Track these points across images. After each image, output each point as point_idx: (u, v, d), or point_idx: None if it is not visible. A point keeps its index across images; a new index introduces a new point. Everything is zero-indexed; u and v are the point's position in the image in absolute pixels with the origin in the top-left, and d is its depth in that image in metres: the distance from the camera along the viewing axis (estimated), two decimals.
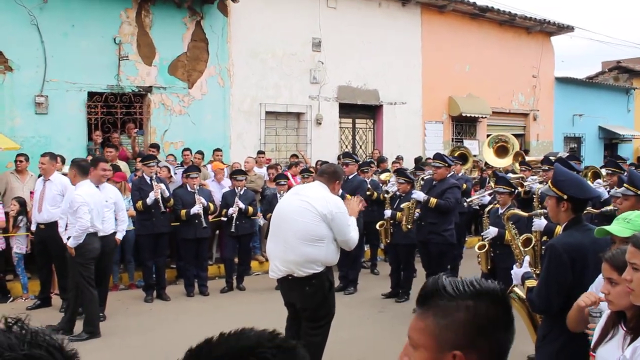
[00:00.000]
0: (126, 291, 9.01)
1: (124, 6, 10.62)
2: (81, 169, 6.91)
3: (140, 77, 10.82)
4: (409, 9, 14.72)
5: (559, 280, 3.36)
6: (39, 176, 8.07)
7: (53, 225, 7.37)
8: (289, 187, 9.48)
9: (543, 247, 5.87)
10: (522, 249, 5.11)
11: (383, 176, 10.86)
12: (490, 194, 9.02)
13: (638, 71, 22.35)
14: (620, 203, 4.52)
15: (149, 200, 8.30)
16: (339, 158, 12.01)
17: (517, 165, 11.15)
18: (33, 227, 8.04)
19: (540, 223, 6.01)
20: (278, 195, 9.07)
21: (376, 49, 14.01)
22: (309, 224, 4.78)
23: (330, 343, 5.17)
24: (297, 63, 12.86)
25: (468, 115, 15.61)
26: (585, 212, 5.97)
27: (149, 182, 8.45)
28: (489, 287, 1.39)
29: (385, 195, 8.96)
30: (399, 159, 13.06)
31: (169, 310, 8.02)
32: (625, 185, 4.49)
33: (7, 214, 8.25)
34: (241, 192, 9.08)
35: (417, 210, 8.04)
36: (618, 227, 2.99)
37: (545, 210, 4.48)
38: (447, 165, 8.02)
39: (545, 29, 17.89)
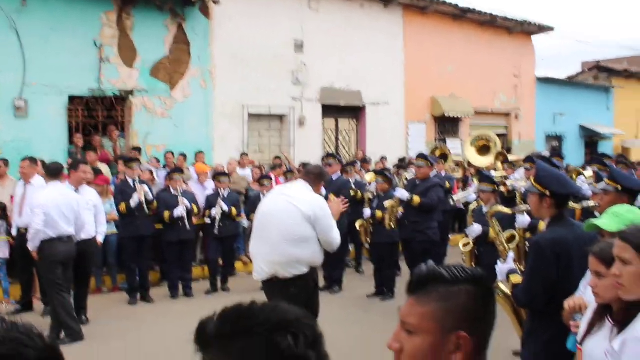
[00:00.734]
0: (109, 294, 8.93)
1: (104, 9, 10.55)
2: (49, 171, 6.89)
3: (121, 80, 10.74)
4: (391, 10, 14.77)
5: (544, 276, 3.38)
6: (20, 180, 7.98)
7: None
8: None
9: (527, 244, 5.92)
10: (506, 245, 5.13)
11: (368, 177, 10.87)
12: (475, 192, 9.07)
13: (617, 70, 22.61)
14: (600, 199, 4.55)
15: (132, 203, 8.23)
16: (322, 159, 12.00)
17: (499, 164, 11.22)
18: (14, 232, 7.95)
19: (524, 220, 6.05)
20: (262, 196, 9.04)
21: (359, 50, 14.04)
22: (294, 225, 4.75)
23: None
24: (280, 65, 12.85)
25: (451, 115, 15.70)
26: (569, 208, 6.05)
27: (131, 184, 8.38)
28: (479, 272, 1.48)
29: (370, 197, 8.97)
30: (383, 159, 13.09)
31: (153, 313, 7.96)
32: (605, 180, 4.54)
33: None
34: (225, 194, 9.04)
35: (400, 209, 8.05)
36: (607, 222, 3.01)
37: (528, 207, 4.51)
38: (430, 164, 8.05)
39: (526, 29, 18.05)
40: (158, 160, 10.52)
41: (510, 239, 5.56)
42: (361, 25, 14.13)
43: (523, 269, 4.41)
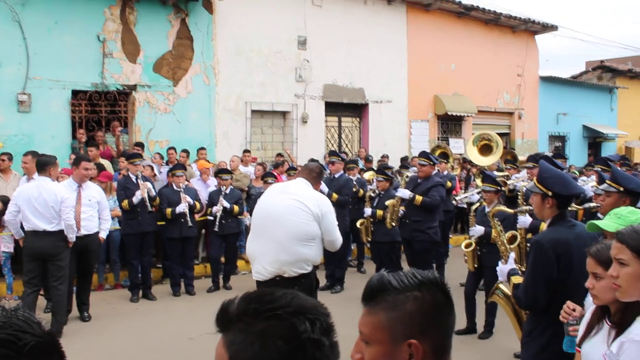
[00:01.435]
0: (112, 291, 8.94)
1: (108, 3, 10.54)
2: (37, 164, 6.92)
3: (124, 75, 10.74)
4: (395, 7, 14.75)
5: (544, 276, 3.37)
6: (24, 175, 8.01)
7: None
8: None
9: (528, 244, 5.91)
10: (507, 245, 5.13)
11: (367, 175, 10.88)
12: (479, 193, 9.06)
13: (621, 70, 22.57)
14: (603, 200, 4.55)
15: (135, 199, 8.24)
16: (325, 157, 12.01)
17: (502, 164, 11.20)
18: None
19: (525, 220, 6.04)
20: (222, 190, 9.03)
21: (362, 48, 14.03)
22: (303, 224, 4.67)
23: None
24: (283, 61, 12.84)
25: (454, 113, 15.68)
26: (571, 208, 6.04)
27: (134, 180, 8.39)
28: (429, 277, 1.48)
29: (372, 194, 8.96)
30: (383, 157, 13.08)
31: (155, 310, 7.97)
32: (607, 182, 4.53)
33: None
34: (227, 191, 9.04)
35: (402, 207, 8.05)
36: (609, 223, 3.01)
37: (530, 207, 4.50)
38: (432, 163, 8.04)
39: (530, 28, 18.01)
40: (162, 157, 10.52)
41: (512, 239, 5.56)
42: (364, 22, 14.12)
43: (524, 270, 4.40)
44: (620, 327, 2.34)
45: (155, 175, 9.56)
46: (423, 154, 8.25)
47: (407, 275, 1.46)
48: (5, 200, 8.27)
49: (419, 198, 7.76)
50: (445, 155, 11.63)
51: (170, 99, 11.26)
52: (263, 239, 4.78)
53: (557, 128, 19.83)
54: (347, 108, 14.32)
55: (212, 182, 9.90)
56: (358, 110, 14.56)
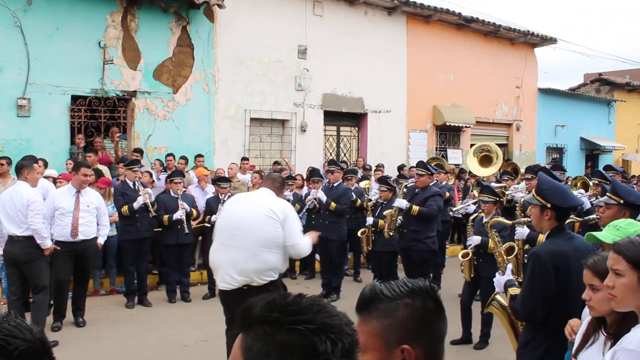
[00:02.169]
0: (107, 297, 8.92)
1: (109, 10, 10.57)
2: (15, 168, 6.89)
3: (124, 81, 10.76)
4: (395, 18, 14.81)
5: (542, 288, 3.38)
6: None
7: None
8: None
9: (525, 255, 5.92)
10: (504, 256, 5.13)
11: (362, 184, 10.90)
12: (474, 203, 9.08)
13: (619, 84, 22.66)
14: (603, 212, 4.57)
15: (136, 205, 8.23)
16: (324, 166, 12.03)
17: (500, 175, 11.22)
18: None
19: (522, 231, 6.06)
20: (220, 197, 9.03)
21: (361, 57, 14.07)
22: (271, 231, 4.70)
23: None
24: (283, 70, 12.88)
25: (452, 124, 15.72)
26: (570, 220, 6.06)
27: (132, 186, 8.39)
28: (419, 284, 1.53)
29: (369, 203, 8.98)
30: (379, 167, 13.10)
31: (151, 316, 7.96)
32: (608, 194, 4.55)
33: None
34: (225, 199, 9.03)
35: (400, 217, 8.06)
36: (607, 234, 3.02)
37: (528, 219, 4.52)
38: (429, 173, 8.06)
39: (529, 40, 18.09)
40: (162, 164, 10.52)
41: (509, 250, 5.57)
42: (365, 32, 14.17)
43: (521, 280, 4.40)
44: (616, 338, 2.35)
45: (153, 181, 9.57)
46: (421, 164, 8.27)
47: (398, 284, 1.52)
48: None
49: (415, 208, 7.77)
50: (440, 167, 11.66)
51: (169, 105, 11.28)
52: (230, 248, 4.76)
53: (555, 140, 19.90)
54: (346, 117, 14.35)
55: (210, 190, 9.90)
56: (357, 119, 14.59)
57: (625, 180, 9.99)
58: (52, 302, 7.50)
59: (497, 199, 6.79)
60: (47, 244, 6.68)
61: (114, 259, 9.01)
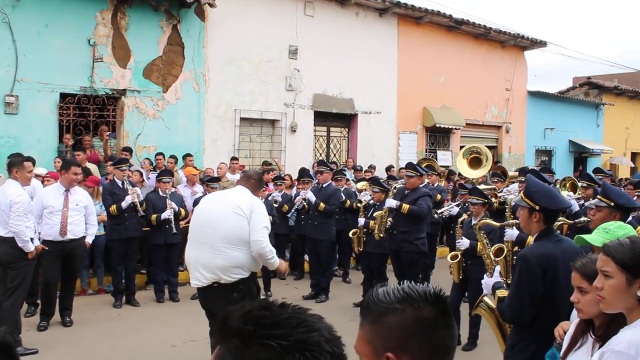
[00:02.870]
0: (95, 296, 8.86)
1: (99, 7, 10.51)
2: (7, 166, 6.69)
3: (114, 79, 10.70)
4: (386, 20, 14.83)
5: (530, 291, 3.38)
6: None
7: None
8: (269, 194, 9.47)
9: (514, 257, 5.93)
10: (493, 258, 5.14)
11: (359, 185, 10.90)
12: (457, 205, 9.10)
13: (608, 87, 22.83)
14: (593, 214, 4.60)
15: (124, 204, 8.18)
16: (313, 166, 12.02)
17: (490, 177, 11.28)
18: None
19: (512, 233, 6.07)
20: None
21: (352, 58, 14.08)
22: (237, 227, 4.70)
23: None
24: (273, 70, 12.86)
25: (442, 126, 15.76)
26: (559, 223, 6.08)
27: (120, 186, 8.34)
28: (420, 290, 1.44)
29: (359, 204, 8.98)
30: (371, 167, 13.12)
31: (138, 316, 7.91)
32: (598, 197, 4.58)
33: None
34: None
35: (390, 219, 8.06)
36: (596, 237, 3.04)
37: (517, 221, 4.53)
38: (419, 174, 8.07)
39: (519, 43, 18.18)
40: (151, 163, 10.48)
41: (498, 252, 5.58)
42: (356, 34, 14.18)
43: (510, 282, 4.42)
44: (604, 340, 2.36)
45: (143, 180, 9.52)
46: (410, 165, 8.29)
47: (396, 289, 1.44)
48: None
49: (405, 207, 7.78)
50: (431, 168, 11.69)
51: (159, 104, 11.23)
52: (200, 245, 4.80)
53: (544, 142, 20.01)
54: (336, 118, 14.35)
55: (199, 189, 9.86)
56: (347, 120, 14.60)
57: (614, 183, 10.06)
58: (39, 301, 7.47)
59: (486, 200, 6.80)
60: (29, 248, 6.40)
61: (102, 258, 8.95)
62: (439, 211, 9.51)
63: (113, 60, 10.67)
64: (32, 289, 7.51)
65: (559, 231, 4.86)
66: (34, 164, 8.58)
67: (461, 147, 13.84)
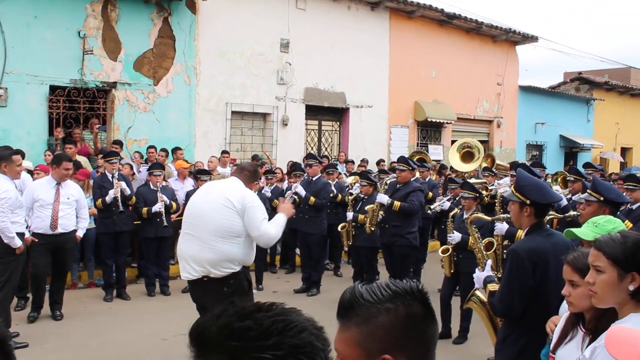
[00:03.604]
0: (85, 290, 8.83)
1: None
2: None
3: (104, 72, 10.64)
4: (378, 13, 14.81)
5: (520, 285, 3.40)
6: None
7: None
8: (261, 187, 9.45)
9: (504, 251, 5.96)
10: (484, 252, 5.16)
11: (350, 179, 10.89)
12: (449, 200, 9.12)
13: (598, 83, 22.91)
14: (583, 208, 4.62)
15: (108, 198, 8.13)
16: (303, 160, 12.01)
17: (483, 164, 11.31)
18: None
19: (501, 227, 6.09)
20: None
21: (344, 52, 14.06)
22: (225, 220, 4.61)
23: None
24: (265, 63, 12.82)
25: (433, 120, 15.78)
26: (549, 217, 6.11)
27: (110, 179, 8.30)
28: (404, 286, 1.39)
29: (349, 198, 8.97)
30: (363, 162, 13.12)
31: (129, 310, 7.89)
32: (588, 191, 4.60)
33: None
34: None
35: (381, 212, 8.07)
36: (586, 231, 3.05)
37: (508, 215, 4.54)
38: (410, 168, 8.07)
39: (511, 38, 18.21)
40: (142, 156, 10.43)
41: (488, 246, 5.60)
42: (347, 27, 14.16)
43: (500, 276, 4.43)
44: (595, 333, 2.37)
45: (134, 174, 9.48)
46: (402, 159, 8.28)
47: (380, 287, 1.38)
48: None
49: (397, 204, 7.78)
50: (423, 161, 11.71)
51: (150, 97, 11.18)
52: (190, 238, 4.75)
53: (535, 137, 20.09)
54: (327, 112, 14.34)
55: (190, 182, 9.83)
56: (338, 114, 14.59)
57: (604, 178, 10.11)
58: (29, 295, 7.43)
59: (477, 195, 6.82)
60: (16, 244, 6.30)
61: (92, 252, 8.92)
62: (432, 207, 9.53)
63: (103, 53, 10.60)
64: (22, 282, 7.48)
65: (548, 225, 4.89)
66: (23, 157, 8.55)
67: (452, 142, 13.88)
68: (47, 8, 9.99)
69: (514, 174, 8.66)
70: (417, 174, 9.42)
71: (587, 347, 2.37)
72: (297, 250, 10.04)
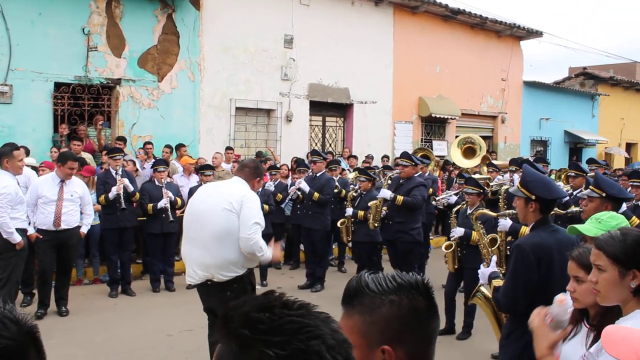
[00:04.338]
0: (90, 286, 8.87)
1: None
2: None
3: (109, 68, 10.65)
4: (382, 9, 14.78)
5: (524, 280, 3.41)
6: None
7: None
8: (265, 183, 9.46)
9: (508, 247, 5.96)
10: (489, 248, 5.17)
11: (352, 175, 10.90)
12: (456, 194, 9.12)
13: (603, 78, 22.83)
14: (585, 205, 4.62)
15: (111, 195, 8.14)
16: (307, 156, 12.02)
17: (485, 168, 11.30)
18: None
19: (505, 223, 6.09)
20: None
21: (348, 48, 14.04)
22: (227, 223, 4.49)
23: None
24: (269, 59, 12.81)
25: (437, 116, 15.75)
26: (552, 213, 6.11)
27: (114, 175, 8.32)
28: (410, 280, 1.40)
29: (354, 194, 8.98)
30: (368, 157, 13.12)
31: (134, 306, 7.92)
32: (590, 187, 4.60)
33: None
34: None
35: (385, 208, 8.07)
36: (589, 227, 3.05)
37: (513, 211, 4.54)
38: (413, 164, 8.06)
39: (515, 33, 18.15)
40: (146, 152, 10.45)
41: (492, 242, 5.61)
42: (351, 23, 14.13)
43: (504, 272, 4.44)
44: (599, 329, 2.37)
45: (137, 170, 9.50)
46: (405, 155, 8.27)
47: (386, 278, 1.40)
48: None
49: (400, 198, 7.78)
50: (426, 158, 11.71)
51: (154, 94, 11.19)
52: (192, 242, 4.66)
53: (540, 132, 20.03)
54: (331, 108, 14.33)
55: (195, 179, 9.85)
56: (343, 110, 14.57)
57: (608, 175, 10.08)
58: (35, 291, 7.47)
59: (481, 190, 6.82)
60: (16, 239, 6.36)
61: (97, 248, 8.95)
62: (437, 198, 9.53)
63: (108, 50, 10.62)
64: (28, 278, 7.53)
65: None
66: (27, 154, 8.59)
67: (456, 137, 13.85)
68: (51, 5, 10.00)
69: (513, 169, 8.69)
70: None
71: (592, 342, 2.38)
72: (302, 247, 10.06)
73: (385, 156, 13.71)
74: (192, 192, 9.05)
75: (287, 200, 10.00)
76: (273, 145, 12.99)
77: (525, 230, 4.66)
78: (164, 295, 8.53)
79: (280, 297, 1.09)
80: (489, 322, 4.09)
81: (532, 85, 19.39)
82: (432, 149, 15.21)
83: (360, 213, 8.30)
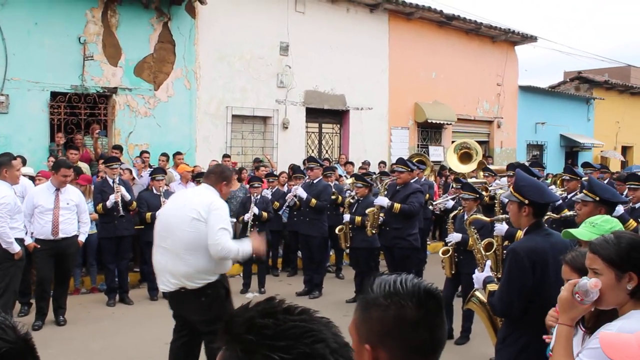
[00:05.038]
0: (88, 295, 8.86)
1: (89, 5, 10.46)
2: None
3: (105, 77, 10.67)
4: (377, 15, 14.84)
5: (519, 284, 3.42)
6: None
7: None
8: (262, 190, 9.49)
9: (504, 252, 5.97)
10: (483, 253, 5.18)
11: (348, 181, 10.93)
12: (453, 199, 9.14)
13: (598, 82, 22.90)
14: (580, 209, 4.64)
15: (109, 203, 8.15)
16: (304, 163, 12.05)
17: (481, 173, 11.33)
18: None
19: (501, 228, 6.11)
20: (252, 197, 9.05)
21: (343, 54, 14.08)
22: (194, 233, 4.49)
23: None
24: (265, 67, 12.84)
25: (434, 121, 15.79)
26: (546, 217, 6.12)
27: (111, 184, 8.33)
28: (409, 287, 1.42)
29: (351, 200, 9.01)
30: (365, 164, 13.14)
31: (132, 315, 7.91)
32: (584, 191, 4.62)
33: None
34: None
35: (382, 215, 8.08)
36: (584, 231, 3.07)
37: (507, 216, 4.56)
38: (409, 170, 8.08)
39: (510, 39, 18.22)
40: (143, 161, 10.46)
41: (488, 247, 5.62)
42: (347, 30, 14.18)
43: (500, 277, 4.45)
44: (594, 332, 2.39)
45: (134, 178, 9.51)
46: (400, 161, 8.29)
47: (386, 282, 1.43)
48: None
49: (397, 206, 7.79)
50: (422, 163, 11.74)
51: (150, 102, 11.20)
52: (164, 251, 4.66)
53: (535, 137, 20.09)
54: (328, 114, 14.36)
55: (192, 187, 9.84)
56: (339, 116, 14.61)
57: (601, 179, 10.11)
58: (32, 301, 7.46)
59: (478, 195, 6.84)
60: (15, 249, 6.38)
61: (95, 256, 8.94)
62: (434, 203, 9.54)
63: (104, 59, 10.63)
64: (26, 288, 7.52)
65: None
66: (24, 164, 8.60)
67: (453, 142, 13.89)
68: (47, 15, 10.02)
69: (511, 174, 8.70)
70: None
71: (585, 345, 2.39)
72: (299, 253, 10.07)
73: (382, 162, 13.75)
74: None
75: (284, 207, 10.02)
76: (270, 152, 13.01)
77: (521, 234, 4.68)
78: (162, 304, 8.45)
79: (281, 303, 1.12)
80: (485, 326, 4.10)
81: (527, 89, 19.45)
82: (428, 154, 15.25)
83: (358, 219, 8.31)
